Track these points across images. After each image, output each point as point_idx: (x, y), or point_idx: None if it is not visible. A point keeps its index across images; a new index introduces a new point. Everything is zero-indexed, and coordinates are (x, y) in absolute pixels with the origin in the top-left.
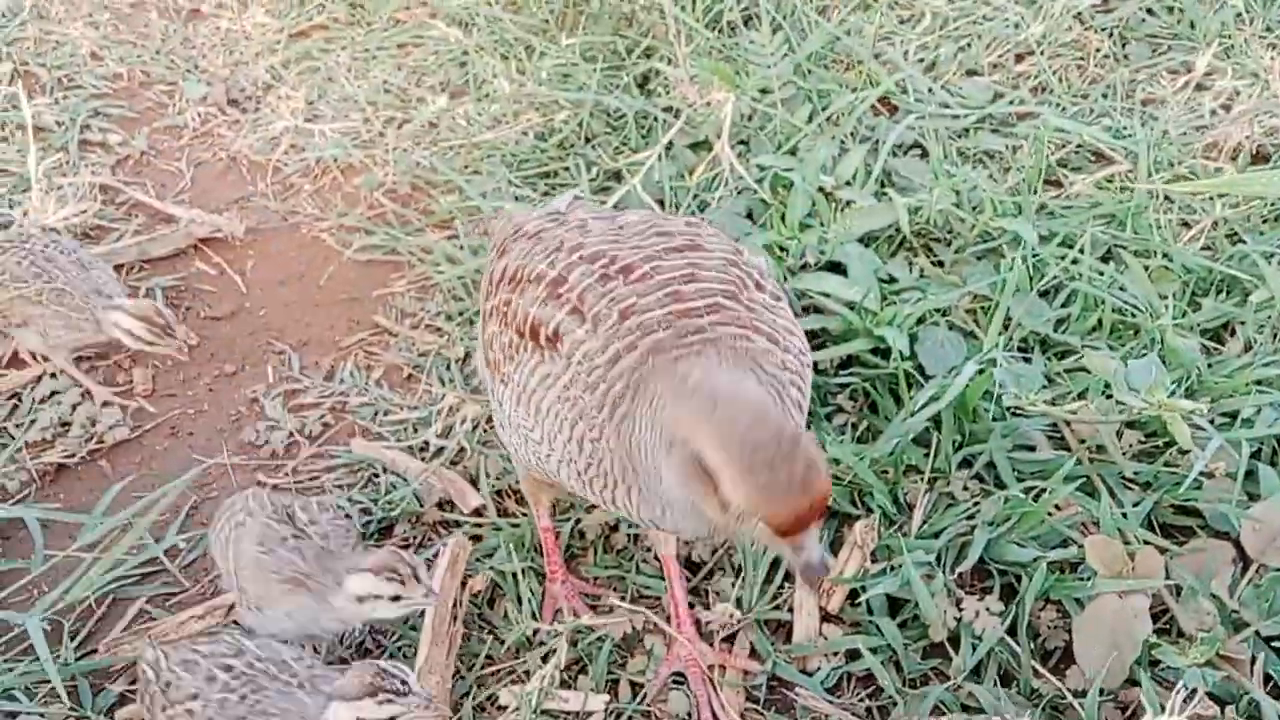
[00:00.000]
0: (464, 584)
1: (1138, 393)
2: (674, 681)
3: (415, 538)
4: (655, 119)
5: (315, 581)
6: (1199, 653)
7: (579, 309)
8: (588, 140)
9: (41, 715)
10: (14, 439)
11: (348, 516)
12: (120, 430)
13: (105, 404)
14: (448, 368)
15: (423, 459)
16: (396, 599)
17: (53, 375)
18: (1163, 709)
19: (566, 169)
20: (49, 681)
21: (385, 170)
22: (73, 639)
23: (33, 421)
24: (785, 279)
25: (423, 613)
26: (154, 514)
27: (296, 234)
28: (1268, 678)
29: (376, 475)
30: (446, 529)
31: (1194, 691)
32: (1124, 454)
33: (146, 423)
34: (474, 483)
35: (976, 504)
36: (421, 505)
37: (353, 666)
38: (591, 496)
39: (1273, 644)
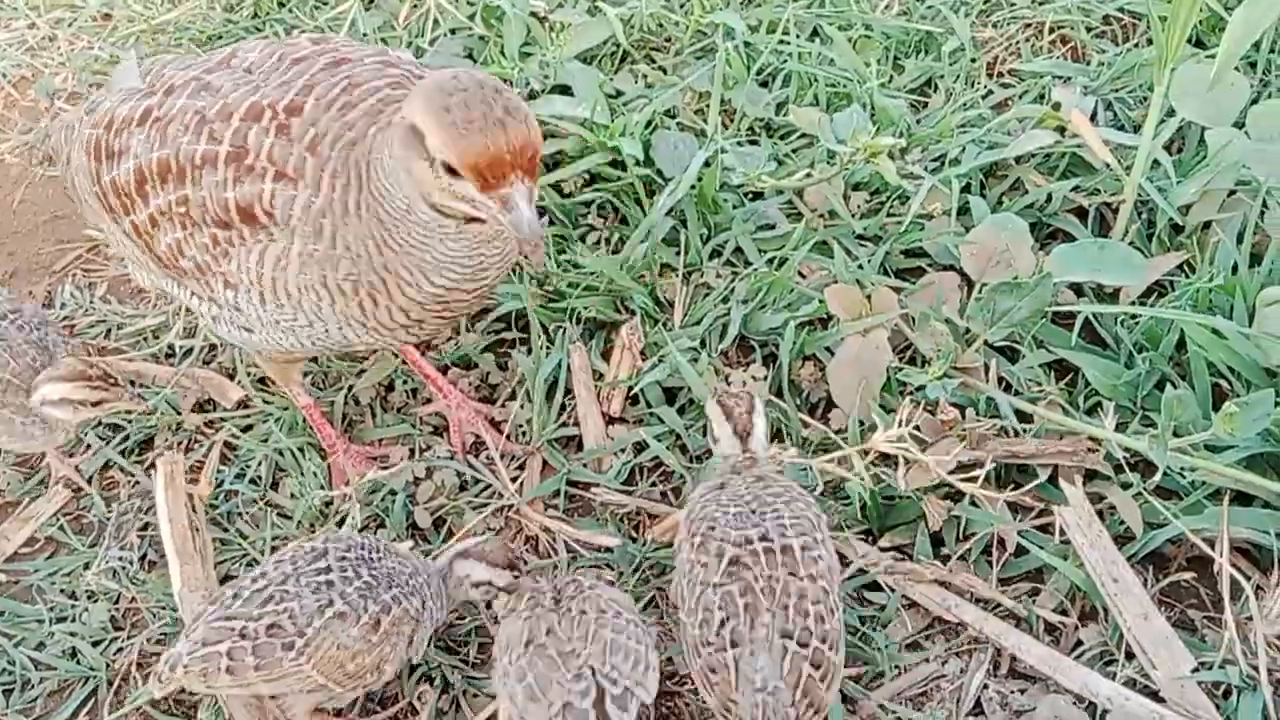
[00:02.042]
0: (190, 496)
1: (844, 142)
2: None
3: (181, 443)
4: None
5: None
6: (937, 368)
7: (281, 171)
8: (281, 4)
9: None
10: None
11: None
12: None
13: None
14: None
15: (171, 365)
16: (98, 404)
17: None
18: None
19: (265, 39)
20: None
21: (62, 74)
22: None
23: None
24: None
25: None
26: None
27: None
28: (1001, 380)
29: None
30: (211, 428)
31: (937, 402)
32: (853, 216)
33: None
34: (231, 376)
35: (730, 287)
36: (179, 412)
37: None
38: (372, 335)
39: (1001, 351)
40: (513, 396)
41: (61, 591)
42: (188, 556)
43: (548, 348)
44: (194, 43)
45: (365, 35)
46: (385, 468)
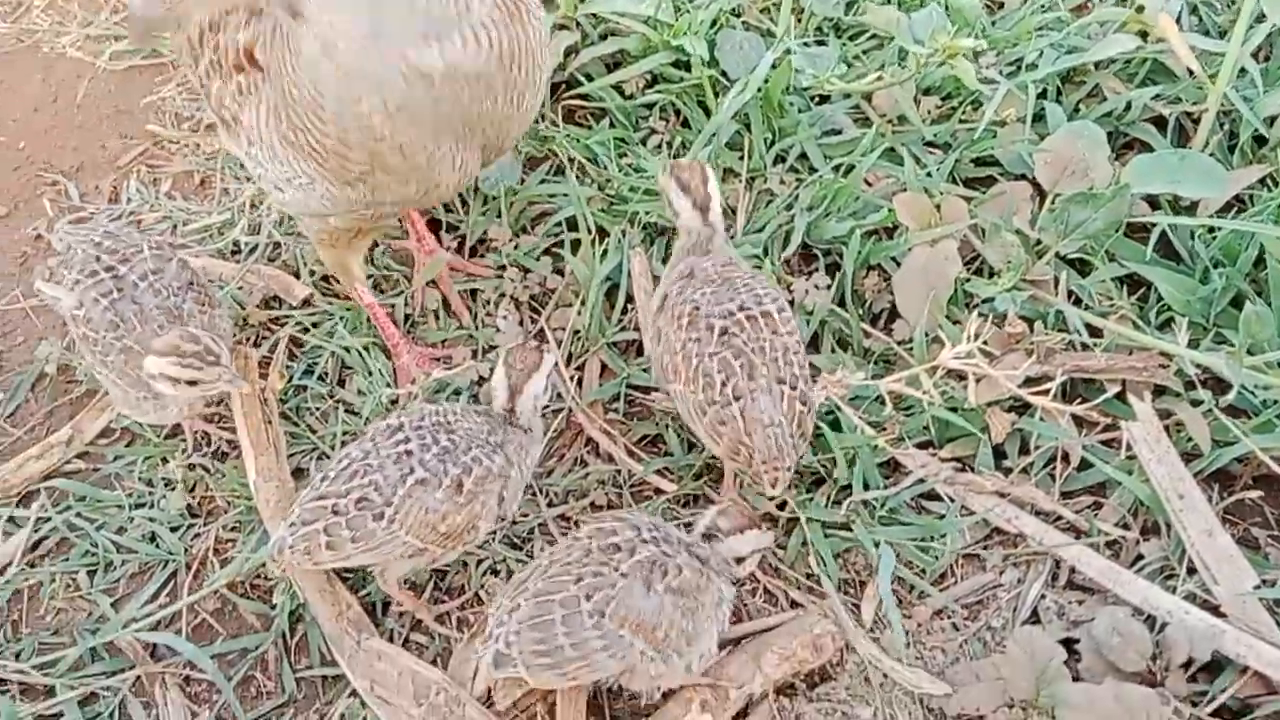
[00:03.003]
0: (263, 390)
1: (922, 43)
2: None
3: (249, 339)
4: None
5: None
6: (1006, 279)
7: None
8: None
9: None
10: None
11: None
12: None
13: None
14: (241, 165)
15: (236, 261)
16: (194, 384)
17: None
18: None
19: None
20: None
21: None
22: None
23: None
24: (575, 7)
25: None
26: None
27: (37, 54)
28: (1070, 294)
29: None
30: (277, 324)
31: (1005, 315)
32: (923, 121)
33: None
34: (295, 275)
35: (795, 194)
36: (244, 308)
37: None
38: (358, 193)
39: (1072, 264)
40: (571, 302)
41: (140, 479)
42: (262, 448)
43: (605, 252)
44: None
45: None
46: (449, 368)
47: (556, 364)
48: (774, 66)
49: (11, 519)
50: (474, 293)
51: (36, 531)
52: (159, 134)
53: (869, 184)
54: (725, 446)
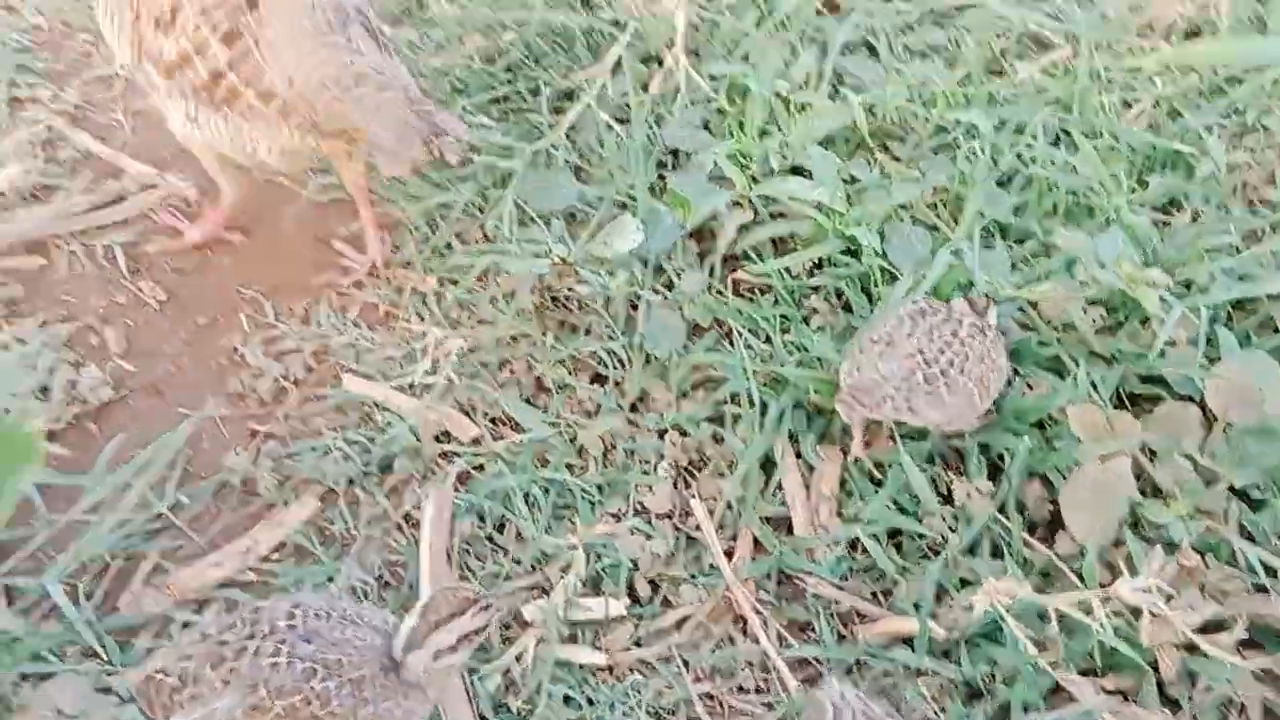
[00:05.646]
0: (452, 530)
1: (1105, 267)
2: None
3: (417, 471)
4: (602, 34)
5: None
6: (1181, 506)
7: None
8: (536, 61)
9: (76, 673)
10: None
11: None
12: (103, 391)
13: (80, 364)
14: (424, 302)
15: (411, 394)
16: None
17: (22, 341)
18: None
19: (518, 92)
20: (75, 642)
21: None
22: (88, 599)
23: (13, 395)
24: (750, 186)
25: None
26: (153, 471)
27: (249, 178)
28: (1242, 527)
29: (370, 414)
30: (446, 460)
31: (1175, 545)
32: (1089, 331)
33: (128, 382)
34: (467, 414)
35: None
36: (419, 439)
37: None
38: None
39: (1243, 497)
40: (725, 472)
41: None
42: (438, 581)
43: (764, 426)
44: (453, 90)
45: (612, 98)
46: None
47: (488, 627)
48: (949, 265)
49: (185, 624)
50: (631, 453)
51: None
52: (349, 264)
53: (1030, 386)
54: None
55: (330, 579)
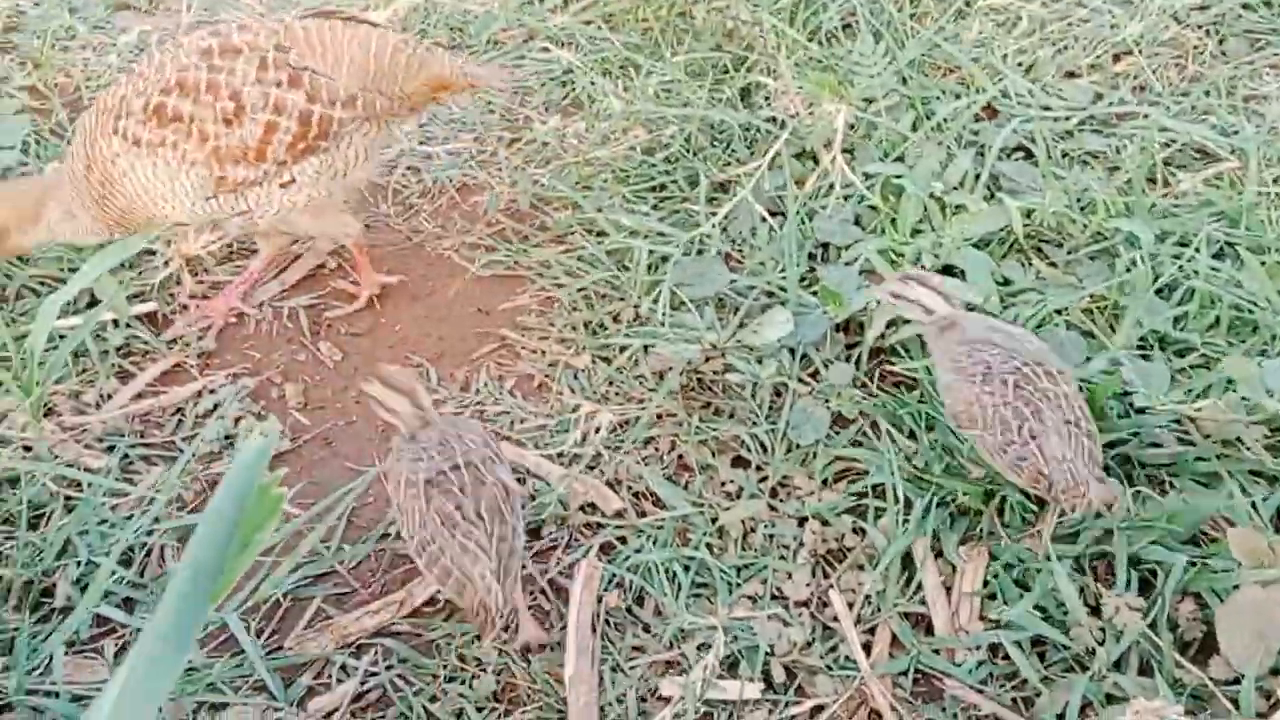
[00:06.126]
0: (599, 599)
1: (1272, 394)
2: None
3: (562, 539)
4: (759, 130)
5: None
6: None
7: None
8: (695, 154)
9: (246, 705)
10: (183, 452)
11: None
12: (281, 442)
13: (262, 416)
14: (575, 376)
15: (560, 464)
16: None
17: (212, 391)
18: None
19: (675, 182)
20: (247, 676)
21: (503, 189)
22: (258, 635)
23: (197, 435)
24: None
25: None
26: (329, 519)
27: (421, 252)
28: None
29: (521, 480)
30: (590, 530)
31: None
32: (1251, 451)
33: (303, 434)
34: (612, 487)
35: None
36: (566, 508)
37: None
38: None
39: None
40: (864, 564)
41: (455, 653)
42: (583, 651)
43: (907, 522)
44: (615, 179)
45: (767, 191)
46: None
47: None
48: (1107, 373)
49: (343, 666)
50: (771, 538)
51: (363, 685)
52: (510, 336)
53: (1185, 502)
54: (1027, 478)
55: (477, 636)
